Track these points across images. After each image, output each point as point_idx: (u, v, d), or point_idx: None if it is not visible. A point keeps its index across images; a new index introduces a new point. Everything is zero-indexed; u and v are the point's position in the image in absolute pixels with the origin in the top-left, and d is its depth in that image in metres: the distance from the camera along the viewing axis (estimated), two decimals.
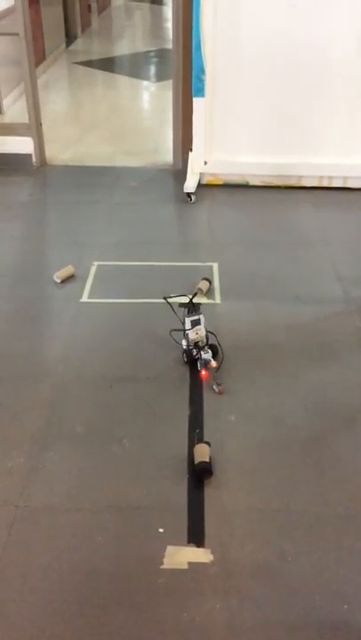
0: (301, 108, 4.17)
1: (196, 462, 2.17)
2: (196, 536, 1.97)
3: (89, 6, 10.43)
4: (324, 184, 4.39)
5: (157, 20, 12.21)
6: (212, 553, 1.92)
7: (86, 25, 10.02)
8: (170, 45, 4.54)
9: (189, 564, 1.89)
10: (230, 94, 4.15)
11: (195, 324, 2.64)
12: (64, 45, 8.69)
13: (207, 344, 2.64)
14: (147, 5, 13.50)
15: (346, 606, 1.79)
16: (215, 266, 3.45)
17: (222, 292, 3.22)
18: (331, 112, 4.18)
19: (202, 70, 4.02)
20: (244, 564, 1.89)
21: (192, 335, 2.62)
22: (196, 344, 2.62)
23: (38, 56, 6.56)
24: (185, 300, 2.95)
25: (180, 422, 2.41)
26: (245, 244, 3.72)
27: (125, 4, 13.56)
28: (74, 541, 1.96)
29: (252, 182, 4.43)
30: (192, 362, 2.64)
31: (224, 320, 2.98)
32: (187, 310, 2.83)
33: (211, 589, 1.82)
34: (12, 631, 1.72)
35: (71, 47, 8.90)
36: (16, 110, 5.87)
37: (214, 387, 2.55)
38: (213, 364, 2.58)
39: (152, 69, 8.29)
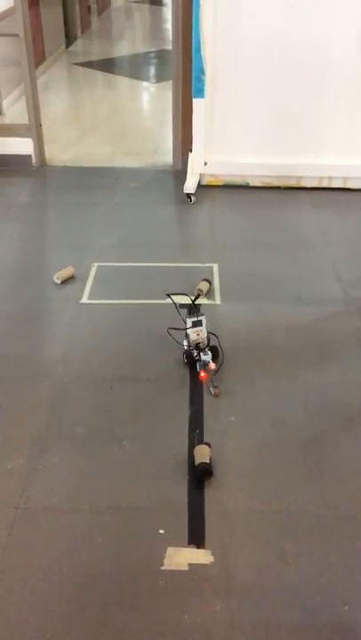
0: (301, 108, 4.16)
1: (196, 463, 2.17)
2: (196, 537, 1.97)
3: (89, 7, 10.43)
4: (324, 185, 4.38)
5: (157, 21, 12.22)
6: (213, 554, 1.92)
7: (86, 26, 10.02)
8: (169, 46, 4.54)
9: (190, 565, 1.89)
10: (230, 95, 4.14)
11: (196, 324, 2.63)
12: (64, 46, 8.69)
13: (208, 345, 2.63)
14: (146, 6, 13.50)
15: (347, 607, 1.78)
16: (215, 267, 3.45)
17: (222, 292, 3.21)
18: (331, 112, 4.17)
19: (202, 71, 4.02)
20: (244, 565, 1.89)
21: (193, 336, 2.61)
22: (197, 345, 2.61)
23: (38, 57, 6.56)
24: (186, 300, 2.94)
25: (180, 423, 2.40)
26: (245, 244, 3.72)
27: (125, 5, 13.57)
28: (74, 542, 1.96)
29: (252, 183, 4.43)
30: (192, 363, 2.64)
31: (224, 321, 2.98)
32: (188, 311, 2.83)
33: (211, 590, 1.82)
34: (12, 632, 1.72)
35: (71, 48, 8.90)
36: (16, 111, 5.88)
37: (211, 389, 2.54)
38: (212, 365, 2.58)
39: (152, 70, 8.29)
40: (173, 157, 4.77)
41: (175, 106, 4.53)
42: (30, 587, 1.83)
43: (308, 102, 4.14)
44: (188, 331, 2.64)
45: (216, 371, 2.60)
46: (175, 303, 2.87)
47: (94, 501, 2.09)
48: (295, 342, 2.87)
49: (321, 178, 4.37)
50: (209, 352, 2.59)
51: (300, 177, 4.37)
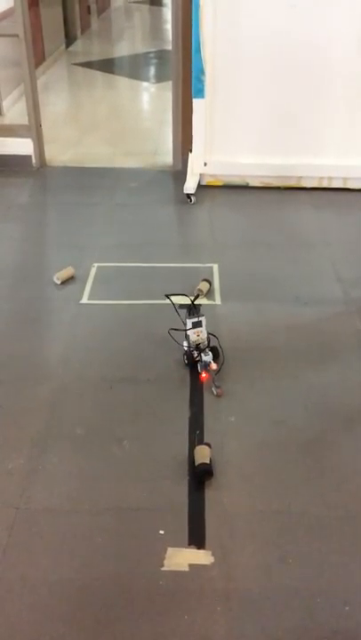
0: (301, 108, 4.16)
1: (196, 464, 2.17)
2: (196, 538, 1.97)
3: (88, 8, 10.43)
4: (324, 185, 4.38)
5: (157, 22, 12.21)
6: (213, 555, 1.92)
7: (86, 26, 10.02)
8: (169, 46, 4.53)
9: (190, 565, 1.89)
10: (230, 95, 4.14)
11: (196, 325, 2.63)
12: (64, 47, 8.68)
13: (208, 346, 2.63)
14: (146, 7, 13.50)
15: (347, 608, 1.78)
16: (215, 267, 3.45)
17: (222, 293, 3.21)
18: (331, 112, 4.17)
19: (202, 71, 4.02)
20: (244, 565, 1.89)
21: (193, 337, 2.61)
22: (197, 346, 2.61)
23: (38, 57, 6.56)
24: (186, 300, 2.94)
25: (180, 423, 2.40)
26: (245, 244, 3.72)
27: (125, 6, 13.56)
28: (74, 543, 1.96)
29: (252, 183, 4.42)
30: (193, 364, 2.64)
31: (224, 321, 2.98)
32: (188, 312, 2.82)
33: (211, 591, 1.82)
34: (12, 633, 1.72)
35: (71, 48, 8.89)
36: (16, 111, 5.88)
37: (213, 389, 2.54)
38: (213, 366, 2.57)
39: (152, 70, 8.29)
40: (173, 158, 4.77)
41: (175, 106, 4.53)
42: (30, 587, 1.83)
43: (308, 102, 4.14)
44: (189, 332, 2.63)
45: (217, 371, 2.60)
46: (174, 304, 2.86)
47: (94, 502, 2.09)
48: (295, 342, 2.87)
49: (321, 178, 4.37)
50: (209, 352, 2.59)
51: (300, 177, 4.37)
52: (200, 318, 2.65)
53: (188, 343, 2.64)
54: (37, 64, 6.25)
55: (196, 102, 4.14)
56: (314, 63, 4.02)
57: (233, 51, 4.01)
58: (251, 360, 2.74)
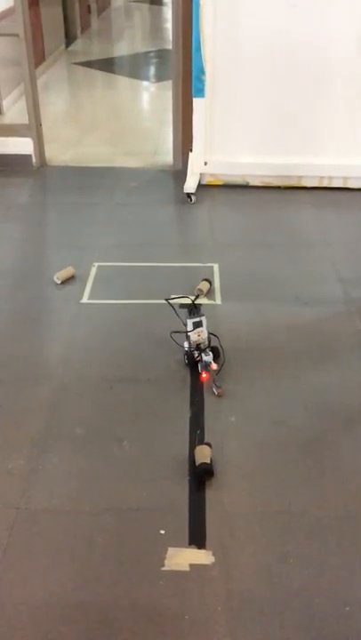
0: (301, 108, 4.16)
1: (197, 464, 2.17)
2: (197, 538, 1.97)
3: (88, 7, 10.42)
4: (325, 184, 4.38)
5: (157, 21, 12.21)
6: (214, 555, 1.92)
7: (86, 26, 10.01)
8: (169, 46, 4.53)
9: (191, 565, 1.89)
10: (230, 94, 4.14)
11: (197, 325, 2.63)
12: (64, 46, 8.68)
13: (209, 346, 2.63)
14: (146, 6, 13.49)
15: (347, 608, 1.78)
16: (216, 267, 3.45)
17: (223, 292, 3.21)
18: (331, 112, 4.17)
19: (202, 71, 4.02)
20: (245, 565, 1.89)
21: (194, 337, 2.61)
22: (197, 346, 2.61)
23: (38, 57, 6.56)
24: (186, 300, 2.94)
25: (180, 423, 2.40)
26: (246, 244, 3.72)
27: (125, 5, 13.56)
28: (74, 543, 1.96)
29: (253, 183, 4.43)
30: (193, 364, 2.64)
31: (225, 321, 2.98)
32: (188, 312, 2.82)
33: (212, 591, 1.82)
34: (12, 633, 1.72)
35: (71, 48, 8.89)
36: (16, 111, 5.87)
37: (214, 389, 2.54)
38: (214, 366, 2.57)
39: (152, 70, 8.29)
40: (173, 157, 4.77)
41: (175, 105, 4.53)
42: (31, 587, 1.83)
43: (308, 102, 4.14)
44: (189, 332, 2.63)
45: (218, 371, 2.60)
46: (174, 308, 2.86)
47: (95, 502, 2.09)
48: (295, 342, 2.87)
49: (321, 177, 4.37)
50: (210, 352, 2.59)
51: (301, 177, 4.37)
52: (201, 318, 2.65)
53: (189, 343, 2.64)
54: (37, 63, 6.25)
55: (196, 101, 4.14)
56: (314, 63, 4.02)
57: (233, 50, 4.01)
58: (251, 360, 2.74)
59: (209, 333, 2.66)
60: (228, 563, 1.90)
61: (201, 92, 4.09)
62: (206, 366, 2.57)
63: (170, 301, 2.86)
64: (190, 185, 4.22)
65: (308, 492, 2.13)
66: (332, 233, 3.85)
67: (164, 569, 1.88)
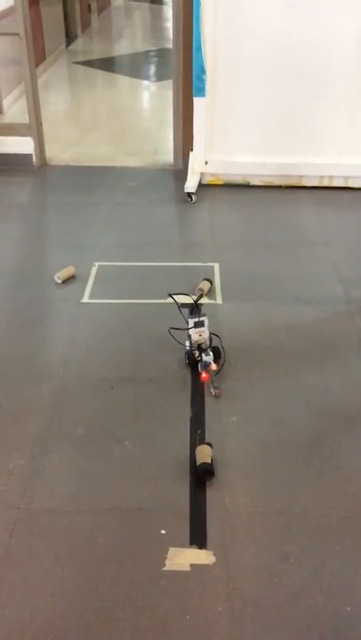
0: (302, 107, 4.16)
1: (197, 464, 2.17)
2: (198, 538, 1.97)
3: (89, 6, 10.42)
4: (325, 184, 4.38)
5: (157, 20, 12.21)
6: (215, 555, 1.92)
7: (86, 25, 10.01)
8: (170, 45, 4.53)
9: (192, 565, 1.89)
10: (230, 94, 4.14)
11: (198, 325, 2.63)
12: (64, 45, 8.68)
13: (210, 346, 2.63)
14: (146, 5, 13.48)
15: (349, 608, 1.78)
16: (216, 266, 3.45)
17: (223, 292, 3.21)
18: (331, 112, 4.17)
19: (202, 70, 4.01)
20: (246, 565, 1.89)
21: (195, 337, 2.61)
22: (199, 346, 2.61)
23: (38, 56, 6.56)
24: (188, 300, 2.94)
25: (181, 423, 2.40)
26: (246, 244, 3.72)
27: (125, 4, 13.55)
28: (75, 543, 1.96)
29: (253, 182, 4.43)
30: (194, 364, 2.64)
31: (225, 321, 2.98)
32: (190, 311, 2.82)
33: (213, 591, 1.82)
34: (13, 633, 1.72)
35: (71, 47, 8.89)
36: (16, 110, 5.87)
37: (211, 390, 2.54)
38: (213, 366, 2.57)
39: (152, 69, 8.28)
40: (174, 156, 4.77)
41: (176, 105, 4.53)
42: (32, 587, 1.83)
43: (308, 102, 4.14)
44: (190, 331, 2.63)
45: (217, 371, 2.60)
46: (177, 303, 2.86)
47: (95, 502, 2.09)
48: (296, 342, 2.87)
49: (322, 177, 4.37)
50: (211, 353, 2.59)
51: (301, 176, 4.37)
52: (202, 318, 2.65)
53: (190, 343, 2.64)
54: (38, 63, 6.25)
55: (196, 101, 4.14)
56: (314, 63, 4.02)
57: (233, 50, 4.01)
58: (252, 360, 2.74)
59: (210, 333, 2.66)
60: (229, 563, 1.90)
61: (201, 92, 4.09)
62: (206, 366, 2.57)
63: (173, 296, 2.86)
64: (191, 184, 4.22)
65: (309, 492, 2.13)
66: (332, 232, 3.85)
67: (164, 569, 1.88)
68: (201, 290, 3.14)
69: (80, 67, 7.96)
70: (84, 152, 5.10)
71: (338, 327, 2.98)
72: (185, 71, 4.30)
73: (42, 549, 1.94)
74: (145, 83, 7.54)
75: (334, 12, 3.87)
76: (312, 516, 2.05)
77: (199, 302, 3.02)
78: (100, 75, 7.77)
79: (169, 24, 7.17)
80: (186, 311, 2.85)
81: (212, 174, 4.43)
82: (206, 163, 4.34)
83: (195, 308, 2.87)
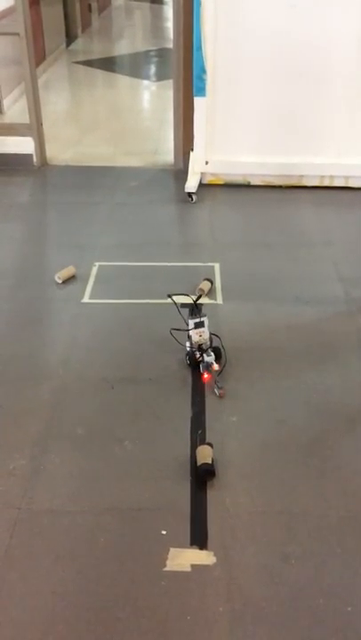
0: (302, 107, 4.16)
1: (198, 464, 2.17)
2: (198, 538, 1.97)
3: (89, 6, 10.41)
4: (326, 184, 4.38)
5: (158, 20, 12.20)
6: (215, 555, 1.92)
7: (86, 25, 10.01)
8: (170, 45, 4.53)
9: (192, 566, 1.89)
10: (231, 94, 4.14)
11: (198, 326, 2.63)
12: (64, 45, 8.68)
13: (211, 346, 2.63)
14: (147, 5, 13.48)
15: (349, 608, 1.78)
16: (217, 266, 3.45)
17: (224, 292, 3.21)
18: (331, 112, 4.17)
19: (203, 70, 4.01)
20: (246, 566, 1.89)
21: (195, 337, 2.61)
22: (199, 346, 2.61)
23: (38, 56, 6.55)
24: (188, 300, 2.94)
25: (181, 424, 2.40)
26: (247, 244, 3.72)
27: (126, 4, 13.55)
28: (76, 543, 1.96)
29: (254, 182, 4.42)
30: (195, 364, 2.63)
31: (226, 320, 2.98)
32: (190, 311, 2.82)
33: (214, 592, 1.82)
34: (13, 633, 1.72)
35: (71, 47, 8.89)
36: (16, 110, 5.87)
37: (215, 390, 2.54)
38: (215, 367, 2.57)
39: (152, 69, 8.28)
40: (174, 156, 4.76)
41: (176, 105, 4.52)
42: (32, 588, 1.83)
43: (308, 102, 4.14)
44: (191, 332, 2.63)
45: (220, 372, 2.60)
46: (177, 304, 2.86)
47: (96, 502, 2.09)
48: (296, 342, 2.87)
49: (322, 177, 4.37)
50: (212, 353, 2.59)
51: (302, 176, 4.37)
52: (202, 318, 2.64)
53: (191, 343, 2.64)
54: (38, 62, 6.26)
55: (197, 101, 4.14)
56: (314, 63, 4.02)
57: (233, 50, 4.00)
58: (252, 360, 2.74)
59: (211, 334, 2.66)
60: (230, 563, 1.90)
61: (202, 92, 4.09)
62: (208, 367, 2.57)
63: (172, 297, 2.86)
64: (191, 184, 4.22)
65: (309, 492, 2.13)
66: (333, 232, 3.85)
67: (165, 569, 1.88)
68: (201, 290, 3.14)
69: (80, 66, 7.96)
70: (85, 152, 5.10)
71: (338, 327, 2.98)
72: (185, 71, 4.29)
73: (42, 549, 1.94)
74: (145, 82, 7.54)
75: (334, 12, 3.87)
76: (312, 516, 2.05)
77: (199, 302, 3.01)
78: (100, 74, 7.76)
79: (169, 24, 7.18)
80: (186, 312, 2.85)
81: (212, 174, 4.42)
82: (207, 162, 4.34)
83: (194, 309, 2.87)
